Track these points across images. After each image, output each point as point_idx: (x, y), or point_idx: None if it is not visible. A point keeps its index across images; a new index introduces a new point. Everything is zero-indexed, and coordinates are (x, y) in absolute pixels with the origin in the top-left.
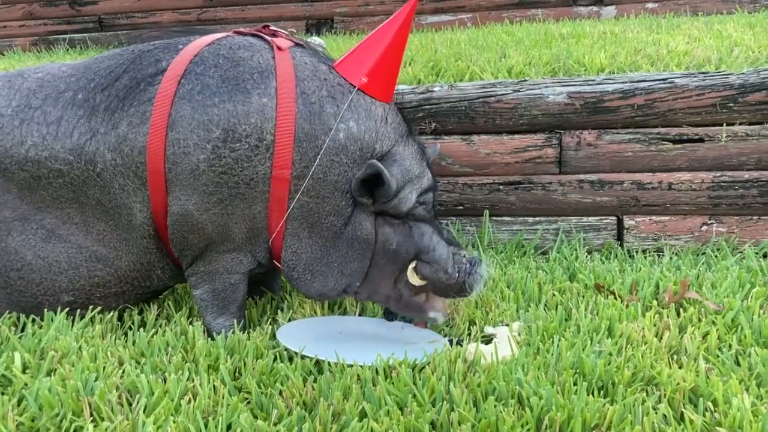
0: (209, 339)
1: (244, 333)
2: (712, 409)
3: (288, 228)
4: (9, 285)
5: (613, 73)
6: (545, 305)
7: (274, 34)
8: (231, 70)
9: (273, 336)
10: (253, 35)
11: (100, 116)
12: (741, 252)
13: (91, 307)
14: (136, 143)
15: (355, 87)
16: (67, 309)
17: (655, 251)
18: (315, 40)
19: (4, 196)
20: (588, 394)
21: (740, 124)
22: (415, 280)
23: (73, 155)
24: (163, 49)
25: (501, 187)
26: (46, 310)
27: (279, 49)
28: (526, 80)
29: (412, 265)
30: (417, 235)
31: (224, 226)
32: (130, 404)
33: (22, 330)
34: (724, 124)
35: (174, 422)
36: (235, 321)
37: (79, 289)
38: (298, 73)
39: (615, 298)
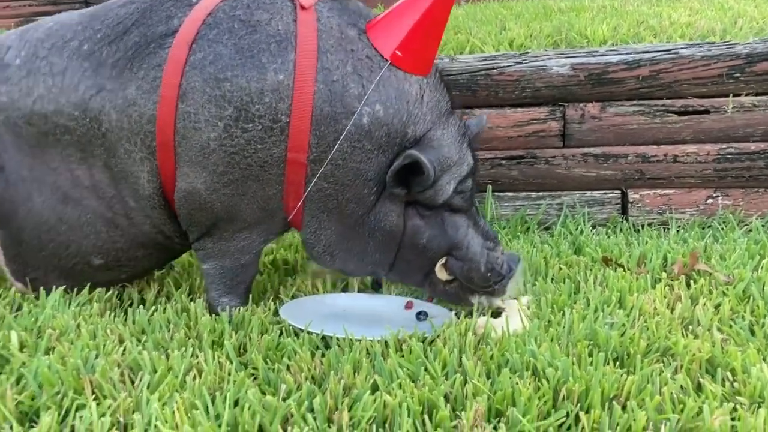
0: (212, 315)
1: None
2: (731, 378)
3: (306, 209)
4: (43, 248)
5: (616, 45)
6: (552, 279)
7: None
8: (246, 37)
9: (276, 313)
10: None
11: (107, 71)
12: (747, 224)
13: (120, 269)
14: (146, 110)
15: (386, 61)
16: (97, 272)
17: (660, 225)
18: None
19: (18, 154)
20: (604, 365)
21: (747, 94)
22: (443, 275)
23: (78, 110)
24: (175, 1)
25: (504, 161)
26: (81, 270)
27: (303, 7)
28: (528, 52)
29: (442, 261)
30: (450, 228)
31: (234, 207)
32: (132, 382)
33: (18, 309)
34: (731, 95)
35: (180, 398)
36: (240, 302)
37: (106, 252)
38: (322, 42)
39: (624, 271)
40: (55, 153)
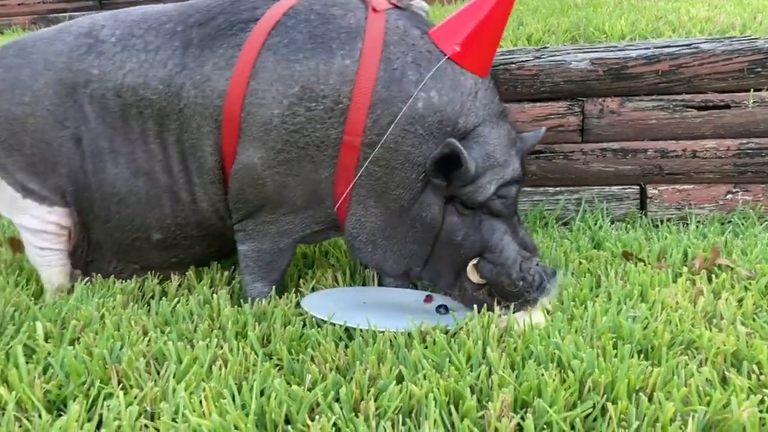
0: (238, 305)
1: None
2: (757, 371)
3: (354, 195)
4: (110, 219)
5: (635, 40)
6: (573, 273)
7: None
8: (320, 27)
9: (297, 305)
10: None
11: (192, 51)
12: None
13: (175, 248)
14: (218, 86)
15: (445, 55)
16: (153, 249)
17: (678, 220)
18: (419, 2)
19: (99, 126)
20: (629, 357)
21: None
22: (474, 277)
23: (163, 84)
24: None
25: None
26: (139, 247)
27: (374, 10)
28: (547, 47)
29: (474, 261)
30: (486, 230)
31: (285, 187)
32: (158, 372)
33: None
34: (752, 90)
35: (207, 387)
36: (272, 290)
37: (167, 228)
38: (387, 37)
39: (645, 265)
40: (136, 126)
